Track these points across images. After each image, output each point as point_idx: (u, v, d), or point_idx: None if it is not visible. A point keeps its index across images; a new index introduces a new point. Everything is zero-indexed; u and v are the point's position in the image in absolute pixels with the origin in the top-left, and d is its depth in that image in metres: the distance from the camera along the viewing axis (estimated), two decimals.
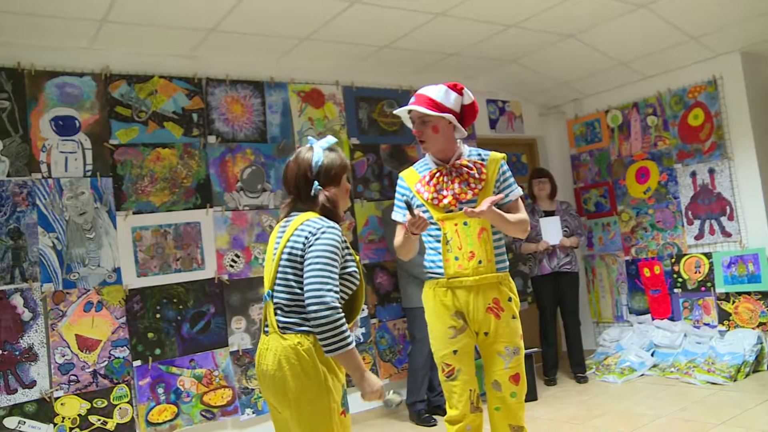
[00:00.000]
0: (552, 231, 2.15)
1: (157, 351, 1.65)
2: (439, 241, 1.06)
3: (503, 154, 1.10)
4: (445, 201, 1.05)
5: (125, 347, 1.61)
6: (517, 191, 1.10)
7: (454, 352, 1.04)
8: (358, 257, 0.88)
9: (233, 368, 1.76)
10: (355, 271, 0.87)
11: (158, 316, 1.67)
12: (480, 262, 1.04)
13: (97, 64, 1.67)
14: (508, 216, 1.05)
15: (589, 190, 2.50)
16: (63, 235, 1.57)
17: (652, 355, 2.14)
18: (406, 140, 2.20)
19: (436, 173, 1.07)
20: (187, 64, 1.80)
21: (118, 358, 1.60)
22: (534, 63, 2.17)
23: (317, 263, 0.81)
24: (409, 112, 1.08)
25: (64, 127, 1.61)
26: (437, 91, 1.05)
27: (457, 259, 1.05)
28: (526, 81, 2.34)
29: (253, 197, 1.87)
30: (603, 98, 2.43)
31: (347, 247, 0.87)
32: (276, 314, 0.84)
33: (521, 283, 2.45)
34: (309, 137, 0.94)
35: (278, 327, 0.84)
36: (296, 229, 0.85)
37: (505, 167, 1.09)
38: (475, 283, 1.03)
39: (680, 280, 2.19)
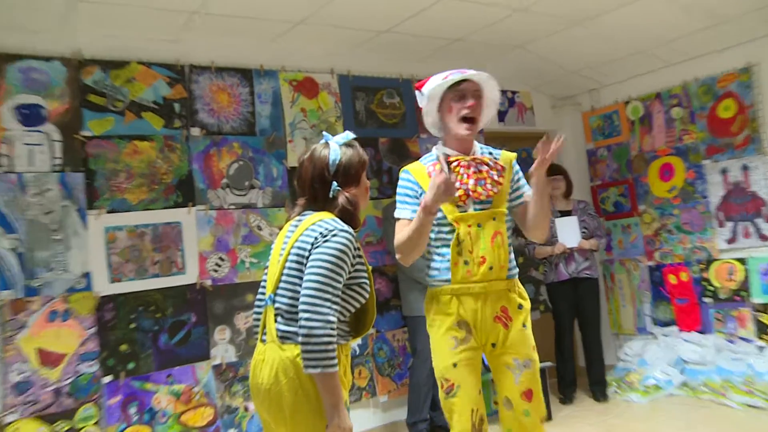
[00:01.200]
0: (569, 232, 2.04)
1: (131, 365, 1.55)
2: (446, 246, 1.00)
3: (514, 153, 1.07)
4: (455, 194, 0.98)
5: (94, 361, 1.51)
6: (530, 191, 1.05)
7: (454, 365, 0.98)
8: (370, 267, 0.84)
9: (215, 384, 1.66)
10: (366, 283, 0.83)
11: (133, 326, 1.57)
12: (491, 267, 0.99)
13: (68, 47, 1.57)
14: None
15: (607, 189, 2.39)
16: (25, 237, 1.47)
17: (680, 372, 2.02)
18: (407, 133, 2.11)
19: (454, 162, 1.00)
20: (169, 49, 1.71)
21: (86, 373, 1.50)
22: (546, 50, 2.07)
23: (320, 268, 0.77)
24: (462, 81, 1.00)
25: (29, 116, 1.52)
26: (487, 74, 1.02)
27: (467, 263, 0.99)
28: (538, 69, 2.24)
29: (240, 195, 1.78)
30: (622, 88, 2.32)
31: (359, 255, 0.83)
32: (276, 321, 0.81)
33: (533, 290, 2.34)
34: (324, 132, 0.91)
35: (277, 336, 0.80)
36: (307, 229, 0.81)
37: (517, 166, 1.07)
38: (483, 290, 0.99)
39: (711, 288, 2.07)
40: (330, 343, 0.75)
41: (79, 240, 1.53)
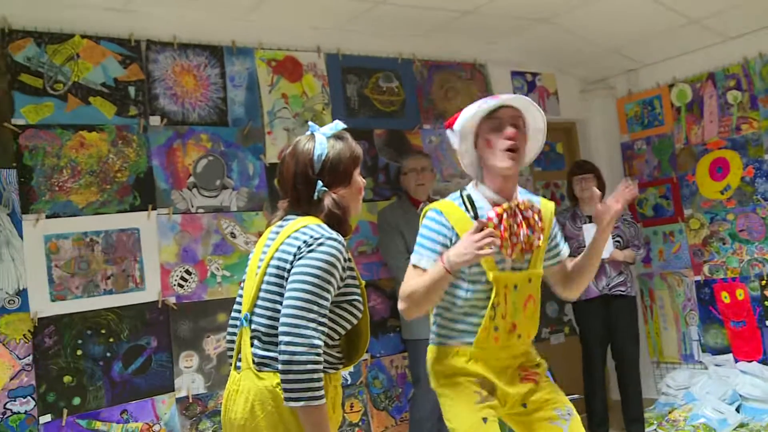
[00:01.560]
0: None
1: (76, 400, 1.39)
2: (478, 307, 0.91)
3: (553, 203, 1.02)
4: (489, 254, 0.89)
5: (29, 398, 1.34)
6: (567, 249, 1.01)
7: (484, 420, 0.90)
8: (363, 282, 0.79)
9: (180, 420, 1.49)
10: (358, 300, 0.78)
11: (79, 352, 1.41)
12: (519, 336, 0.93)
13: None
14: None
15: (645, 189, 2.19)
16: None
17: (737, 410, 1.81)
18: (407, 124, 1.92)
19: (502, 213, 0.92)
20: (121, 20, 1.53)
21: (18, 413, 1.32)
22: (574, 22, 1.86)
23: (304, 283, 0.72)
24: (499, 108, 0.92)
25: None
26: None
27: (496, 329, 0.91)
28: (564, 47, 2.03)
29: (210, 196, 1.61)
30: (666, 68, 2.11)
31: (351, 268, 0.78)
32: (252, 345, 0.76)
33: (556, 309, 2.13)
34: (310, 123, 0.84)
35: (253, 362, 0.75)
36: (289, 237, 0.76)
37: (555, 223, 1.00)
38: (507, 355, 0.94)
39: None
40: (315, 371, 0.69)
41: (12, 251, 1.37)
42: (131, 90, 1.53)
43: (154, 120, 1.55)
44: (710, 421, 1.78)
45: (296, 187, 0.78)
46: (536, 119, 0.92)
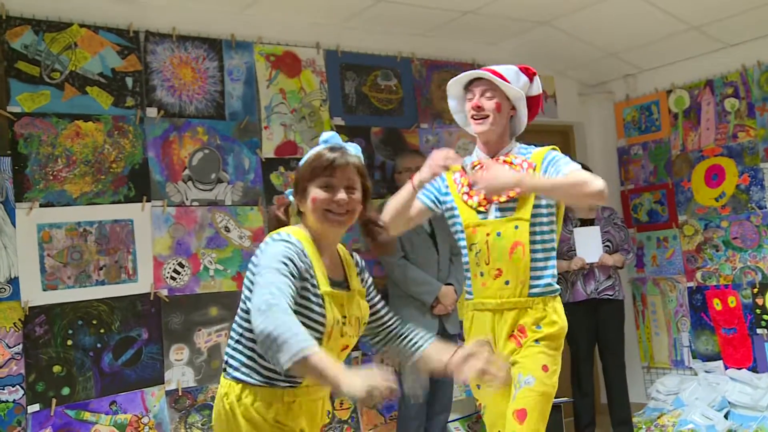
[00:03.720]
0: (589, 245, 1.86)
1: (65, 391, 1.39)
2: (467, 256, 1.02)
3: (547, 147, 1.04)
4: (475, 198, 1.00)
5: (18, 387, 1.35)
6: (570, 166, 1.00)
7: (477, 386, 1.01)
8: (329, 290, 0.77)
9: (169, 413, 1.50)
10: (312, 318, 0.76)
11: (70, 343, 1.42)
12: (507, 282, 0.98)
13: None
14: (549, 180, 0.97)
15: (640, 194, 2.19)
16: None
17: (726, 416, 1.82)
18: (405, 123, 1.93)
19: (477, 164, 1.03)
20: (121, 11, 1.53)
21: (6, 401, 1.33)
22: (574, 26, 1.87)
23: (260, 271, 0.74)
24: (470, 83, 1.03)
25: None
26: (507, 69, 1.04)
27: (482, 275, 0.99)
28: (563, 50, 2.04)
29: (205, 190, 1.62)
30: (665, 74, 2.10)
31: (310, 277, 0.78)
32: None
33: None
34: (326, 134, 0.87)
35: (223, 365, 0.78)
36: None
37: (552, 156, 1.02)
38: (498, 307, 0.98)
39: (766, 317, 1.87)
40: (280, 335, 0.69)
41: (5, 239, 1.37)
42: (129, 81, 1.53)
43: (151, 111, 1.55)
44: (698, 427, 1.79)
45: None
46: (508, 89, 0.99)
